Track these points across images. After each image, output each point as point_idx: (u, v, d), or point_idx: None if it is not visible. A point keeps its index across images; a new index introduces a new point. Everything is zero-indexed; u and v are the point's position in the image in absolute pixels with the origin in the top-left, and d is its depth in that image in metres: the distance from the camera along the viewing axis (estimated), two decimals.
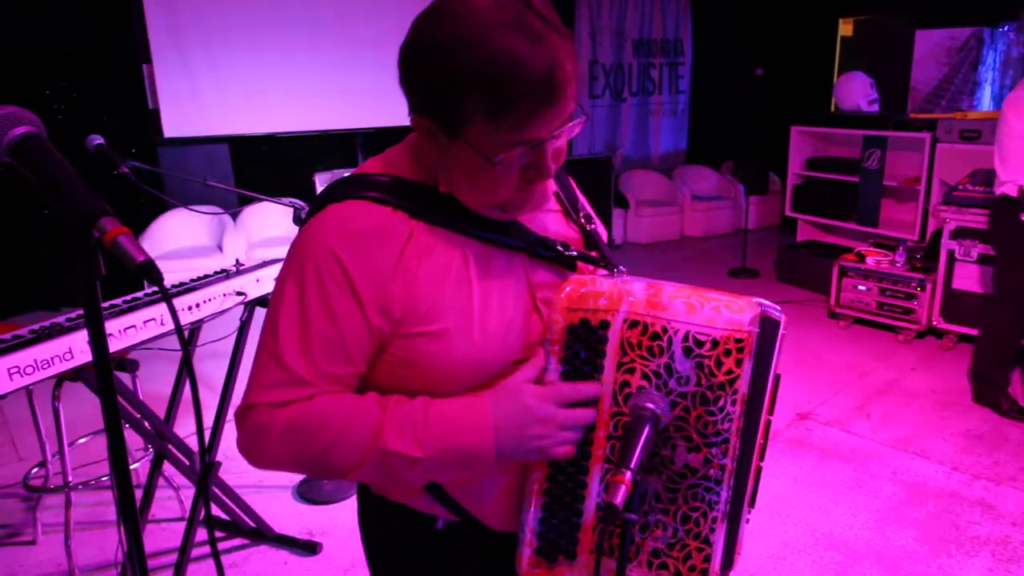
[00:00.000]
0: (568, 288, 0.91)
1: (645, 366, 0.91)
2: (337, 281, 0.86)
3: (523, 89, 0.78)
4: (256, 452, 0.89)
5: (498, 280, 0.93)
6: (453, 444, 0.86)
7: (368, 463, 0.87)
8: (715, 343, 0.88)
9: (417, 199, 0.90)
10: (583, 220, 1.04)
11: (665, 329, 0.89)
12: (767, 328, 0.91)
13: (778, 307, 0.96)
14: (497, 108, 0.79)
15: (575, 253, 0.97)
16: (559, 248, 0.96)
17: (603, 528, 0.95)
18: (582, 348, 0.91)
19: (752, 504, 1.01)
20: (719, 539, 0.93)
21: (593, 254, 1.01)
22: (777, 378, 0.99)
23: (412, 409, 0.88)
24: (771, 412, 1.00)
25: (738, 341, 0.88)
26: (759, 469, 1.01)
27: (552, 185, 1.04)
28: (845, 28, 6.54)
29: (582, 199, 1.10)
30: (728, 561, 0.97)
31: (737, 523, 0.97)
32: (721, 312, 0.88)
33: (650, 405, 0.89)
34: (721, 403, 0.89)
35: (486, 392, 0.90)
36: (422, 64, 0.83)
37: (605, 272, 0.98)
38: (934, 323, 4.29)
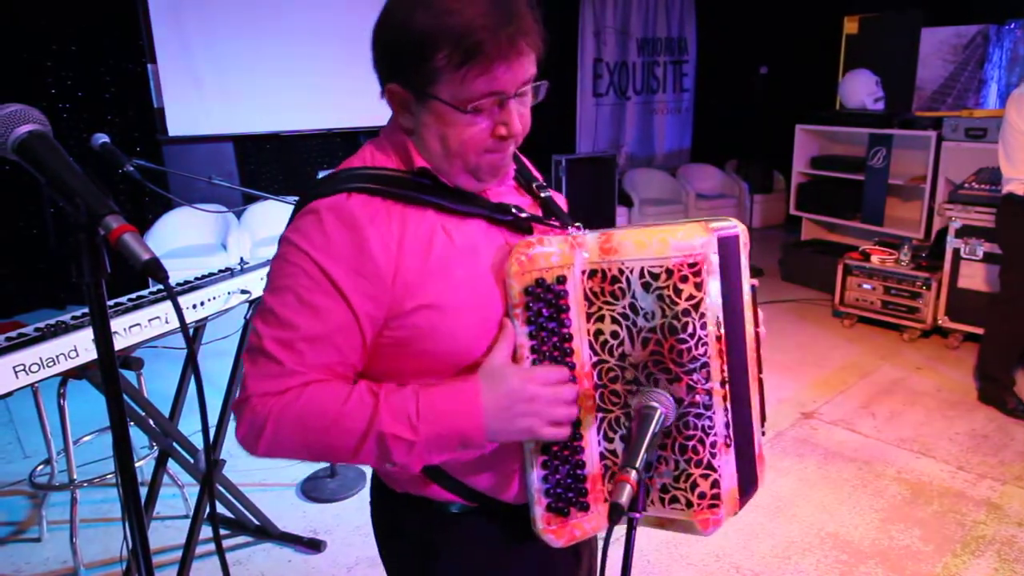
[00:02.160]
0: (516, 253, 0.93)
1: (612, 310, 0.93)
2: (313, 278, 0.90)
3: (488, 36, 0.85)
4: (254, 442, 0.92)
5: (479, 245, 0.97)
6: (446, 427, 0.90)
7: (365, 448, 0.90)
8: (669, 272, 0.90)
9: (383, 180, 0.95)
10: (536, 189, 1.09)
11: (621, 271, 0.92)
12: (726, 247, 0.93)
13: (734, 222, 0.97)
14: (465, 57, 0.85)
15: (527, 215, 1.01)
16: (514, 211, 1.00)
17: (613, 474, 0.96)
18: (543, 307, 0.94)
19: (763, 419, 1.03)
20: (725, 463, 0.94)
21: (552, 220, 1.04)
22: (754, 290, 1.01)
23: (404, 396, 0.91)
24: (757, 324, 1.02)
25: (692, 265, 0.89)
26: (760, 381, 1.02)
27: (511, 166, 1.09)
28: (850, 26, 6.51)
29: (535, 172, 1.15)
30: (748, 483, 0.98)
31: (748, 441, 0.98)
32: (669, 242, 0.90)
33: (655, 404, 0.90)
34: (690, 330, 0.91)
35: (473, 376, 0.93)
36: (393, 30, 0.90)
37: (556, 232, 1.01)
38: (939, 322, 4.27)
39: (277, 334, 0.90)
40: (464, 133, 0.91)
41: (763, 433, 1.04)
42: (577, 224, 1.01)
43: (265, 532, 2.61)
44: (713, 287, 0.90)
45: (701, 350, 0.91)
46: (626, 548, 0.86)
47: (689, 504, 0.95)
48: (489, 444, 0.93)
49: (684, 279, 0.89)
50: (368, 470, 2.99)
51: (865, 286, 4.58)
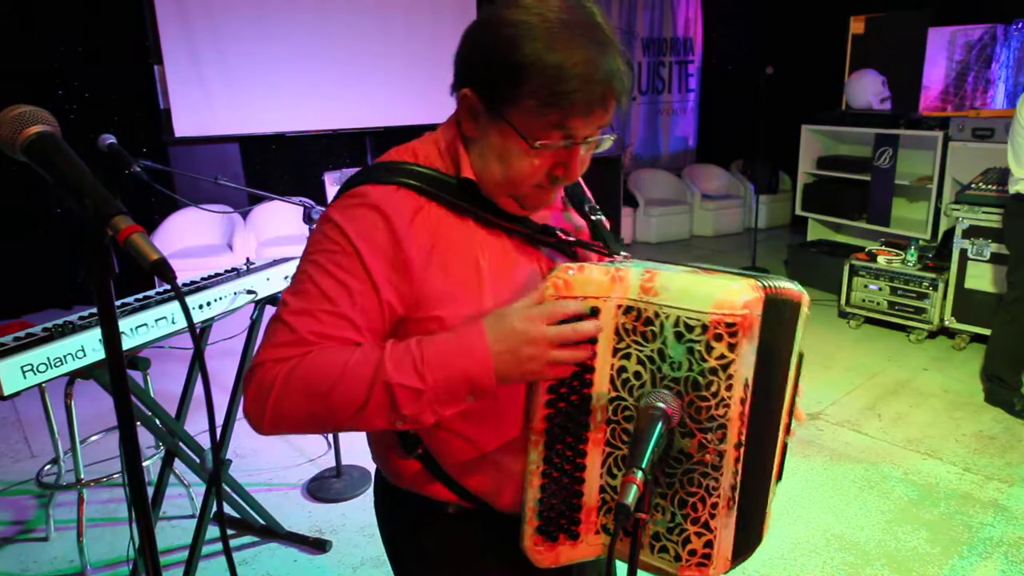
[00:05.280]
0: (553, 276, 0.90)
1: (640, 351, 0.91)
2: (348, 256, 0.91)
3: (581, 87, 0.86)
4: (260, 410, 0.89)
5: (510, 266, 0.97)
6: (453, 371, 0.87)
7: (373, 401, 0.87)
8: (705, 328, 0.86)
9: (432, 182, 0.95)
10: (587, 210, 1.09)
11: (657, 315, 0.89)
12: (776, 310, 0.90)
13: (795, 285, 0.95)
14: (552, 98, 0.86)
15: (574, 239, 1.01)
16: (560, 235, 1.00)
17: (608, 509, 0.96)
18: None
19: (779, 478, 1.02)
20: (723, 525, 0.92)
21: (597, 244, 1.04)
22: (800, 356, 0.99)
23: (409, 344, 0.89)
24: (796, 389, 1.01)
25: (729, 326, 0.85)
26: (785, 444, 1.01)
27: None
28: (856, 26, 6.49)
29: (587, 192, 1.15)
30: (745, 548, 0.97)
31: (755, 503, 0.97)
32: (712, 296, 0.86)
33: (661, 405, 0.89)
34: (714, 389, 0.88)
35: (478, 320, 0.90)
36: (495, 42, 0.89)
37: (599, 259, 1.00)
38: (946, 323, 4.25)
39: (303, 304, 0.91)
40: (522, 164, 0.91)
41: (774, 492, 1.04)
42: (624, 253, 0.99)
43: (271, 532, 2.61)
44: (748, 350, 0.87)
45: (721, 411, 0.88)
46: (632, 548, 0.86)
47: (677, 558, 0.93)
48: (496, 389, 0.90)
49: (718, 337, 0.86)
50: (374, 470, 2.99)
51: (871, 287, 4.56)
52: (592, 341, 0.91)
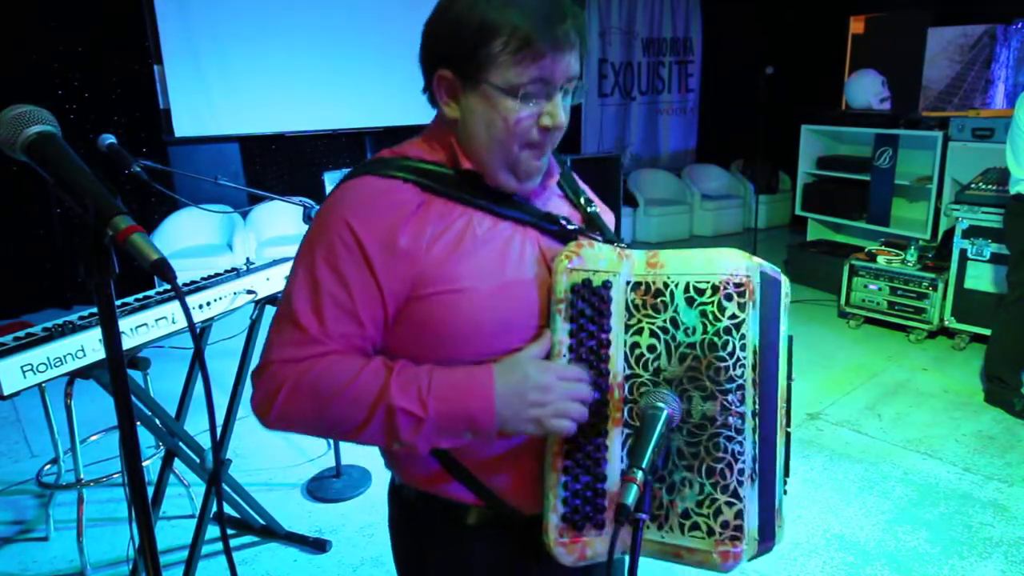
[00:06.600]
0: (567, 248, 0.94)
1: (652, 323, 0.93)
2: (347, 246, 0.92)
3: (544, 26, 0.90)
4: (267, 408, 0.92)
5: (511, 245, 0.98)
6: (456, 406, 0.89)
7: (374, 420, 0.89)
8: (715, 288, 0.90)
9: (430, 176, 0.97)
10: (583, 203, 1.12)
11: (666, 284, 0.92)
12: (767, 284, 0.94)
13: (777, 269, 0.99)
14: (521, 44, 0.90)
15: (576, 227, 1.03)
16: (562, 222, 1.02)
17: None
18: (587, 306, 0.94)
19: (787, 473, 1.03)
20: (750, 497, 0.92)
21: (597, 235, 1.06)
22: (790, 340, 1.02)
23: (418, 371, 0.91)
24: (790, 376, 1.02)
25: (738, 285, 0.90)
26: (788, 435, 1.02)
27: (555, 174, 1.10)
28: (856, 26, 6.50)
29: (584, 187, 1.17)
30: (768, 531, 0.97)
31: (771, 489, 0.98)
32: (716, 261, 0.92)
33: (662, 405, 0.90)
34: (730, 348, 0.90)
35: (487, 364, 0.93)
36: (453, 18, 0.93)
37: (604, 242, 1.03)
38: (946, 323, 4.26)
39: (305, 299, 0.93)
40: (510, 118, 0.93)
41: (785, 491, 1.03)
42: (623, 242, 1.03)
43: (271, 532, 2.61)
44: (754, 314, 0.91)
45: (739, 371, 0.90)
46: (633, 548, 0.86)
47: (711, 532, 0.92)
48: (497, 436, 0.92)
49: (729, 297, 0.90)
50: (374, 470, 3.00)
51: (871, 287, 4.56)
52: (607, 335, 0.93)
